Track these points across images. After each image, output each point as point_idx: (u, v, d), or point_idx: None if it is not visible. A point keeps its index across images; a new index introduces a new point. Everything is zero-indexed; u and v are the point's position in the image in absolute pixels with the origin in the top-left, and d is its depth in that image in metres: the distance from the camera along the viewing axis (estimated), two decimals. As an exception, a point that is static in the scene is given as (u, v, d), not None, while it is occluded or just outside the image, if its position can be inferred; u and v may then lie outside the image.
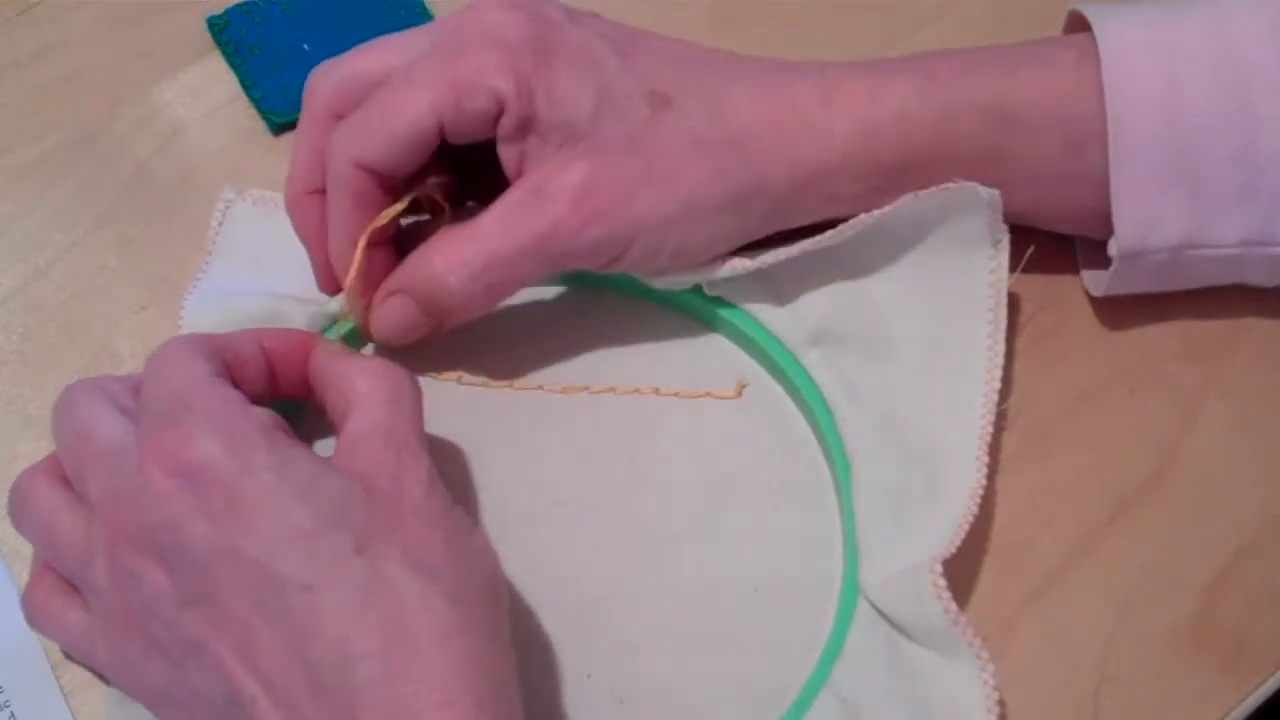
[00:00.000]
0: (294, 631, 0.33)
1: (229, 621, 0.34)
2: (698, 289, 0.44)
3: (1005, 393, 0.43)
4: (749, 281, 0.44)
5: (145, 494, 0.34)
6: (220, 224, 0.47)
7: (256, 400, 0.37)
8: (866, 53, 0.45)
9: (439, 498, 0.36)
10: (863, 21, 0.52)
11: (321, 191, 0.41)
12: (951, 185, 0.41)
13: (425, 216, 0.43)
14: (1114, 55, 0.41)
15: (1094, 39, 0.41)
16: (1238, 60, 0.40)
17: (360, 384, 0.38)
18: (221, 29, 0.52)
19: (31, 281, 0.47)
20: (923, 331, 0.43)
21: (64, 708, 0.40)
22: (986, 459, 0.41)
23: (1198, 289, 0.44)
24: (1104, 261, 0.43)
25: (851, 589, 0.40)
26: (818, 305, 0.43)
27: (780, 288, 0.44)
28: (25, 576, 0.40)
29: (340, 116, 0.41)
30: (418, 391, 0.39)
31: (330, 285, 0.43)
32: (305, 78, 0.42)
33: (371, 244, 0.41)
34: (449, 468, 0.43)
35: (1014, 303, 0.44)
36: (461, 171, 0.43)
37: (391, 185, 0.41)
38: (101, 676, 0.40)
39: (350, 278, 0.41)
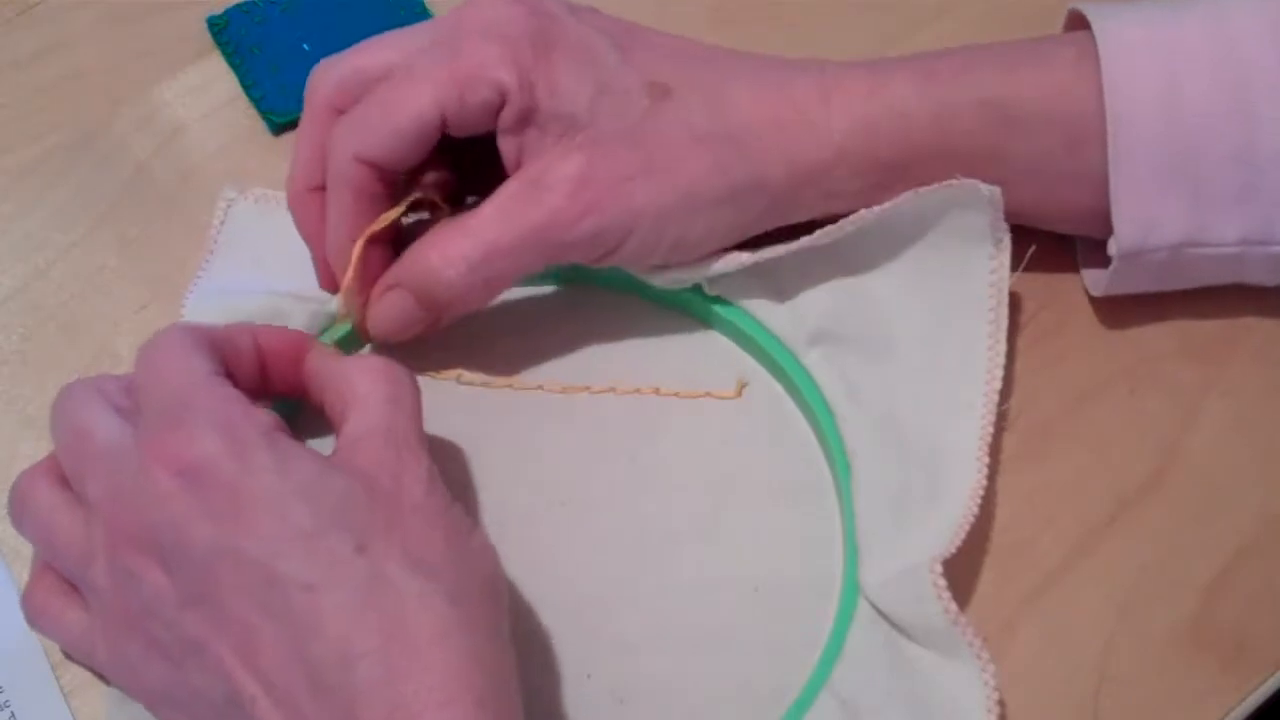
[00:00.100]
0: (294, 631, 0.33)
1: (229, 621, 0.34)
2: (698, 288, 0.44)
3: (1006, 393, 0.42)
4: (748, 278, 0.44)
5: (146, 494, 0.34)
6: (222, 223, 0.47)
7: (248, 396, 0.37)
8: (866, 53, 0.45)
9: (439, 496, 0.36)
10: (863, 21, 0.52)
11: (323, 189, 0.41)
12: (953, 182, 0.41)
13: (424, 215, 0.43)
14: (1114, 54, 0.41)
15: (1093, 38, 0.41)
16: (1238, 60, 0.40)
17: (360, 383, 0.38)
18: (221, 29, 0.52)
19: (31, 281, 0.47)
20: (923, 331, 0.43)
21: (64, 708, 0.40)
22: (987, 459, 0.41)
23: (1197, 288, 0.44)
24: (1104, 261, 0.43)
25: (851, 589, 0.40)
26: (818, 302, 0.43)
27: (780, 284, 0.44)
28: (25, 576, 0.40)
29: (341, 113, 0.41)
30: (417, 390, 0.39)
31: (331, 283, 0.43)
32: (305, 77, 0.42)
33: (370, 243, 0.41)
34: (449, 467, 0.43)
35: (1015, 302, 0.44)
36: (461, 168, 0.43)
37: (392, 181, 0.41)
38: (101, 676, 0.40)
39: (348, 277, 0.41)
